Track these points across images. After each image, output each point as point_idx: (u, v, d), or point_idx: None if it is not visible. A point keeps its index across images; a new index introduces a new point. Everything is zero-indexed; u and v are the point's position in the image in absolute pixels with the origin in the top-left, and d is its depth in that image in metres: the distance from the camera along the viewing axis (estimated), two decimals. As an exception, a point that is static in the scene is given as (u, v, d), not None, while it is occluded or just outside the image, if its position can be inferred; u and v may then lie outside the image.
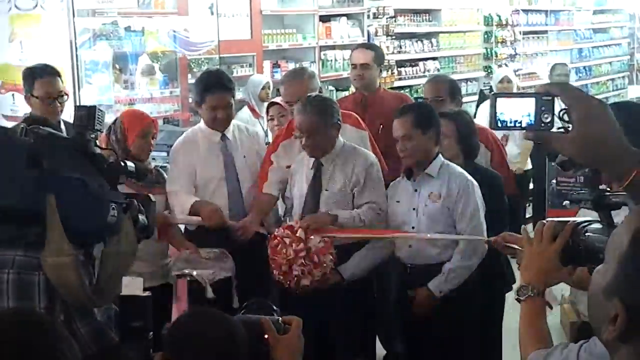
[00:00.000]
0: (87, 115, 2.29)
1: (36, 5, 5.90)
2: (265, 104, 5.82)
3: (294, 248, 3.93)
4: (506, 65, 10.96)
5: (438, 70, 9.81)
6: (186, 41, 6.84)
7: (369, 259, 4.19)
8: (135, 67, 6.49)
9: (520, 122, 1.64)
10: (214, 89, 4.39)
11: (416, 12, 9.83)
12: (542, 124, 1.62)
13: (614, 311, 1.29)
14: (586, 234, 1.90)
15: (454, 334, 4.02)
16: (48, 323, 1.70)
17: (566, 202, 2.04)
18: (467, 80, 10.43)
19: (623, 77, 14.61)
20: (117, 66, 6.35)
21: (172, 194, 4.32)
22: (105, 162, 2.30)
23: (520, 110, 1.64)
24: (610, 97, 13.22)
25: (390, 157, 4.48)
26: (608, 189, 1.86)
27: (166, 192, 4.32)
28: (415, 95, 8.46)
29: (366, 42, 8.31)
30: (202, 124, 4.55)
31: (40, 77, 4.76)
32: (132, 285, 2.31)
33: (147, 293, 2.35)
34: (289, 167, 4.37)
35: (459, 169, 4.14)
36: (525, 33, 11.91)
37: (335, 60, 8.58)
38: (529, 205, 7.84)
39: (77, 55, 5.90)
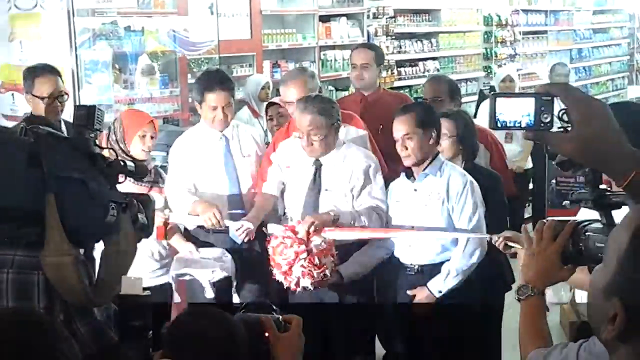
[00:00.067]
0: (87, 114, 2.29)
1: (36, 5, 5.89)
2: (265, 103, 5.82)
3: (295, 249, 3.92)
4: (511, 62, 10.95)
5: (438, 70, 9.81)
6: (186, 41, 6.83)
7: (368, 258, 4.19)
8: (134, 66, 6.48)
9: (520, 122, 1.64)
10: (214, 89, 4.39)
11: (416, 12, 9.83)
12: (542, 124, 1.62)
13: (613, 311, 1.28)
14: (586, 233, 1.90)
15: (454, 334, 4.02)
16: (48, 323, 1.70)
17: (566, 202, 2.04)
18: (466, 80, 10.43)
19: (623, 77, 14.60)
20: (117, 66, 6.34)
21: (171, 194, 4.32)
22: (104, 161, 2.30)
23: (520, 111, 1.64)
24: (610, 97, 13.22)
25: (390, 157, 4.48)
26: (608, 189, 1.86)
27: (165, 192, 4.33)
28: (415, 96, 8.46)
29: (366, 42, 8.31)
30: (201, 124, 4.56)
31: (40, 76, 4.77)
32: (132, 285, 2.30)
33: (146, 292, 2.35)
34: (288, 167, 4.37)
35: (459, 168, 4.15)
36: (525, 33, 11.91)
37: (335, 60, 8.57)
38: (528, 205, 7.84)
39: (76, 55, 5.89)
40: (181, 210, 4.29)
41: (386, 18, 9.23)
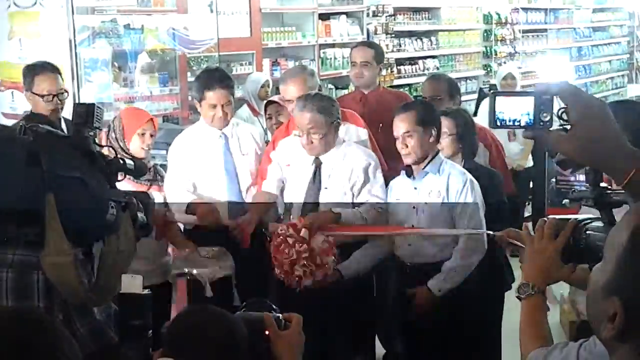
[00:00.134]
0: (86, 112, 2.29)
1: (35, 3, 5.88)
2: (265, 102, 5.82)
3: (297, 249, 3.92)
4: (511, 60, 10.95)
5: (437, 68, 9.80)
6: (185, 39, 6.82)
7: (368, 257, 4.19)
8: (134, 65, 6.48)
9: (519, 121, 1.64)
10: (214, 87, 4.39)
11: (415, 10, 9.82)
12: (541, 123, 1.62)
13: (612, 309, 1.28)
14: (587, 232, 1.90)
15: (454, 334, 4.02)
16: (48, 322, 1.70)
17: (565, 201, 2.04)
18: (466, 78, 10.42)
19: (622, 75, 14.60)
20: (116, 64, 6.34)
21: (169, 193, 4.32)
22: (104, 160, 2.30)
23: (519, 109, 1.64)
24: (610, 95, 13.22)
25: (390, 155, 4.48)
26: (609, 187, 1.85)
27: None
28: (414, 94, 8.45)
29: (366, 40, 8.31)
30: (201, 122, 4.55)
31: (40, 74, 4.76)
32: (132, 283, 2.30)
33: (146, 291, 2.34)
34: (288, 165, 4.37)
35: (459, 167, 4.15)
36: (524, 31, 11.89)
37: (335, 58, 8.57)
38: (528, 204, 7.83)
39: (76, 53, 5.89)
40: (178, 209, 4.28)
41: (386, 16, 9.22)
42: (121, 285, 2.28)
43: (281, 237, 3.97)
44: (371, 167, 4.20)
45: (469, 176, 4.08)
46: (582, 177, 1.88)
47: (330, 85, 8.45)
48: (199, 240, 4.33)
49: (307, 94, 4.31)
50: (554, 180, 6.36)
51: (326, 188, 4.19)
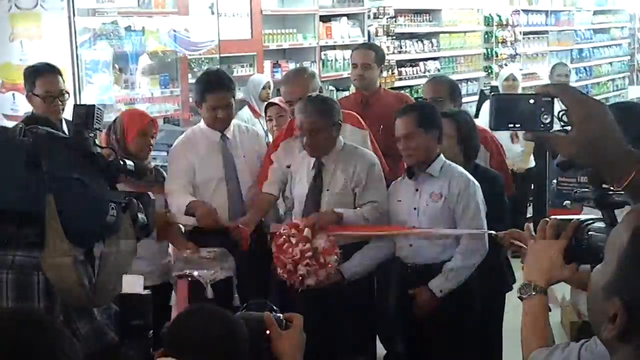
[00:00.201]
0: (86, 114, 2.29)
1: (36, 5, 5.89)
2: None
3: (300, 248, 3.93)
4: (512, 62, 10.95)
5: (438, 70, 9.81)
6: (186, 41, 6.83)
7: (369, 258, 4.19)
8: (135, 66, 6.48)
9: (520, 123, 1.64)
10: (215, 89, 4.39)
11: (416, 12, 9.83)
12: (542, 125, 1.62)
13: (613, 310, 1.28)
14: (589, 232, 1.90)
15: (455, 334, 4.02)
16: (48, 322, 1.70)
17: (567, 202, 2.04)
18: (467, 80, 10.43)
19: (623, 77, 14.60)
20: (117, 66, 6.34)
21: (170, 194, 4.32)
22: (104, 161, 2.29)
23: (520, 111, 1.64)
24: (611, 97, 13.21)
25: (391, 156, 4.48)
26: (611, 188, 1.85)
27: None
28: (415, 96, 8.45)
29: (367, 42, 8.31)
30: (202, 124, 4.55)
31: (41, 75, 4.76)
32: (133, 284, 2.30)
33: (147, 291, 2.34)
34: (289, 166, 4.37)
35: (461, 168, 4.14)
36: (525, 33, 11.90)
37: (336, 60, 8.58)
38: (529, 205, 7.83)
39: (77, 55, 5.89)
40: (178, 210, 4.28)
41: (387, 18, 9.23)
42: (122, 286, 2.28)
43: (284, 237, 3.98)
44: (372, 169, 4.20)
45: (471, 178, 4.08)
46: (583, 179, 1.88)
47: (331, 87, 8.46)
48: (200, 241, 4.33)
49: (308, 96, 4.31)
50: (555, 181, 6.35)
51: (327, 190, 4.19)
